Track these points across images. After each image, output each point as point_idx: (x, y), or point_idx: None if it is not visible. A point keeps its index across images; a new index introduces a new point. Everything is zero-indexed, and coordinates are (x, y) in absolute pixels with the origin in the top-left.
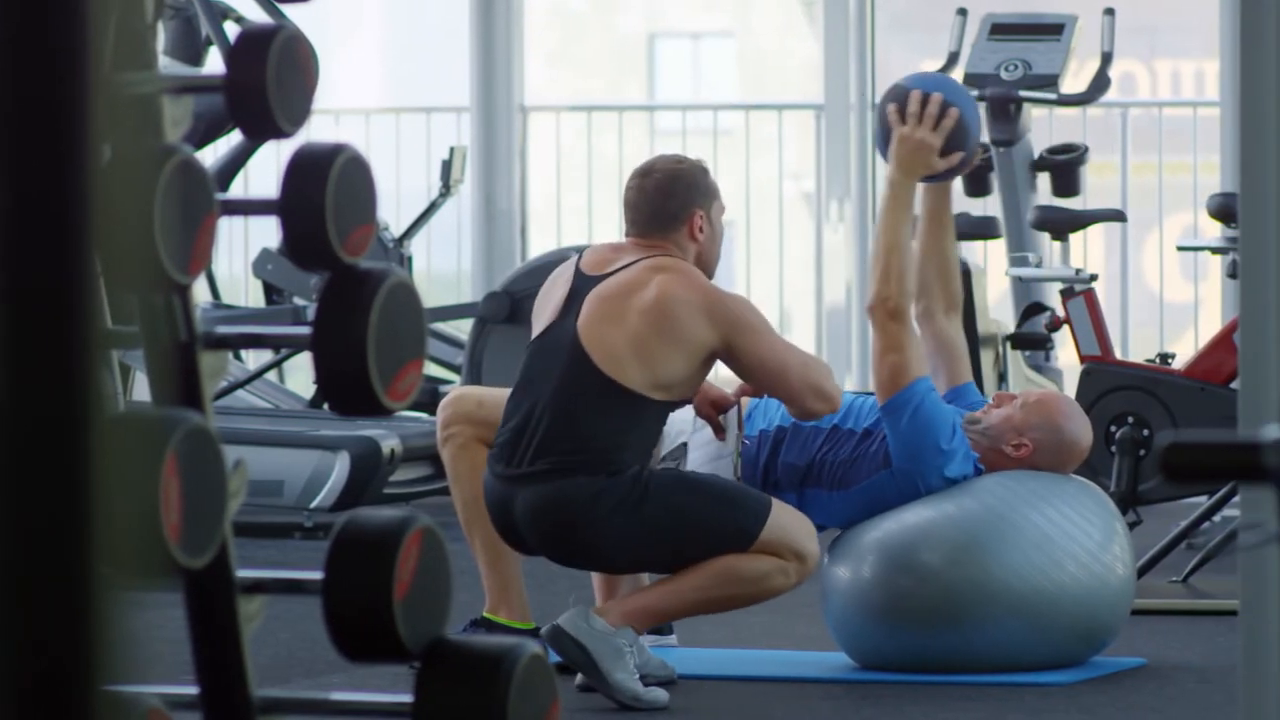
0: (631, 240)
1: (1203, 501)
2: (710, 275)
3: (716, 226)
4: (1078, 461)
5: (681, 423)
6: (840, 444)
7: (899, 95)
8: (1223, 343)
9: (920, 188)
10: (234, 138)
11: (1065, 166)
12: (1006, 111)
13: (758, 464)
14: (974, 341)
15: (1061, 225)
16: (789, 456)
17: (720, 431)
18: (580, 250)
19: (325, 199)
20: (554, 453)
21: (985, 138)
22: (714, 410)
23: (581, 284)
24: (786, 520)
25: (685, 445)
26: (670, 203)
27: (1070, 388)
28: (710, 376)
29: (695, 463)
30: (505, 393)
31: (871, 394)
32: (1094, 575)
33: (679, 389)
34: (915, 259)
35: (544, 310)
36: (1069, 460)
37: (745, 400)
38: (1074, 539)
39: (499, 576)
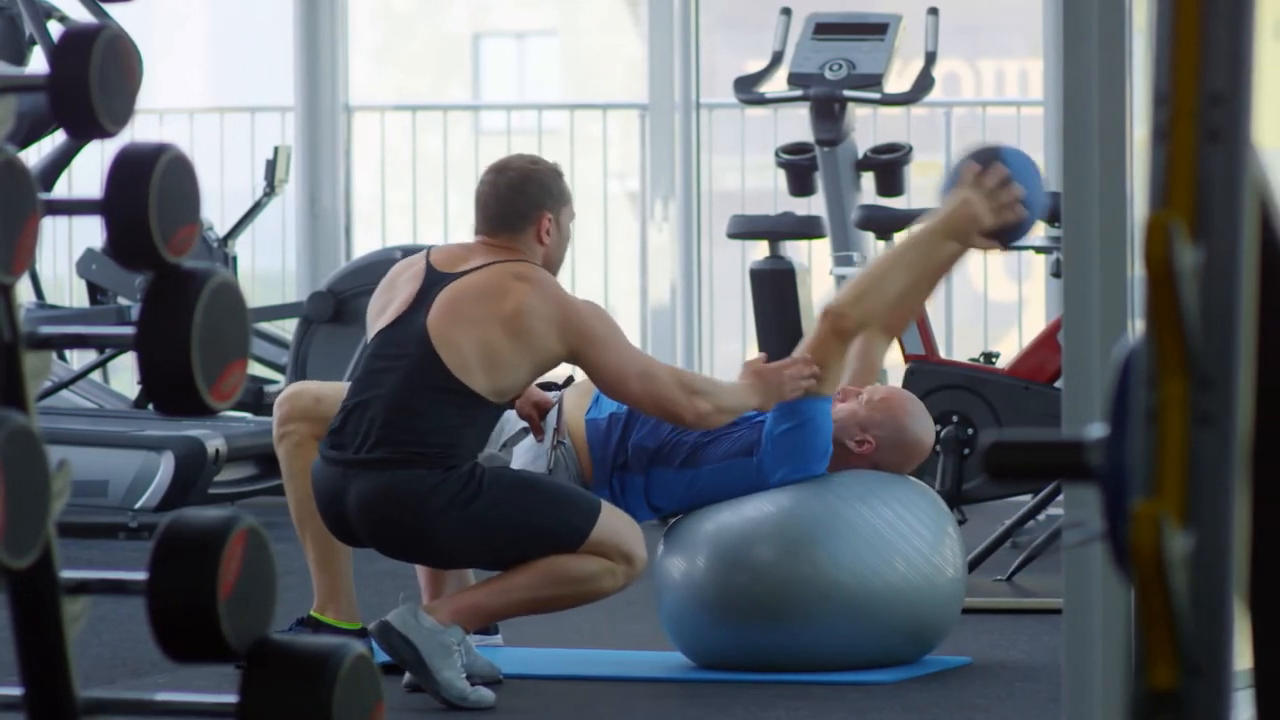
0: (481, 240)
1: (1027, 500)
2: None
3: (564, 231)
4: (919, 461)
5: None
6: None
7: (988, 159)
8: (1047, 342)
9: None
10: (58, 137)
11: (889, 166)
12: (831, 111)
13: (608, 445)
14: (798, 341)
15: (886, 225)
16: (639, 438)
17: (539, 433)
18: (407, 249)
19: (149, 199)
20: (392, 443)
21: (811, 137)
22: (536, 411)
23: (433, 279)
24: (616, 523)
25: (526, 429)
26: (520, 202)
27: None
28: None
29: (515, 460)
30: (343, 387)
31: None
32: (923, 576)
33: (514, 392)
34: (894, 303)
35: (390, 302)
36: (910, 459)
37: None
38: (905, 539)
39: (329, 576)
